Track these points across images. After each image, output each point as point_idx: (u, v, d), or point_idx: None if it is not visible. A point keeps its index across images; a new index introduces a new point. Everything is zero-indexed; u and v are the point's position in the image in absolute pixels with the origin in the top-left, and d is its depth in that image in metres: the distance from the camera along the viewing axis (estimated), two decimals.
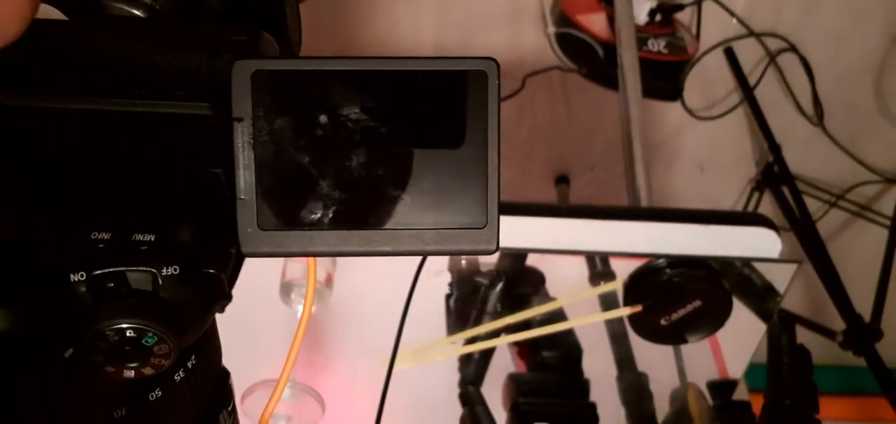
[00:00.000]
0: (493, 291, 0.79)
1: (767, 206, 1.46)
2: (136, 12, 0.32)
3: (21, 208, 0.24)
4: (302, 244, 0.25)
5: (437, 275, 0.76)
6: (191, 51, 0.28)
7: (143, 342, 0.22)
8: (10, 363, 0.21)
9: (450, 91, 0.25)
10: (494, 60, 0.25)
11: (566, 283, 0.83)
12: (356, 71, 0.25)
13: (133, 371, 0.23)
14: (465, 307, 0.79)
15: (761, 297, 0.66)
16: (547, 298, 0.80)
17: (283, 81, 0.25)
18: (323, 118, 0.25)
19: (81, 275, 0.22)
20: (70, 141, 0.25)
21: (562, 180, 1.45)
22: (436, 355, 0.75)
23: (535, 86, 1.30)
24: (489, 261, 0.81)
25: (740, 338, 0.71)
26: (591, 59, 1.17)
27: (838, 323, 1.14)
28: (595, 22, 1.15)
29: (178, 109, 0.26)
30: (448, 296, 0.81)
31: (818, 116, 1.39)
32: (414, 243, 0.25)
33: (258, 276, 0.79)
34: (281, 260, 0.82)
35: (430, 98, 0.25)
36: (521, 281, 0.81)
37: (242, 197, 0.24)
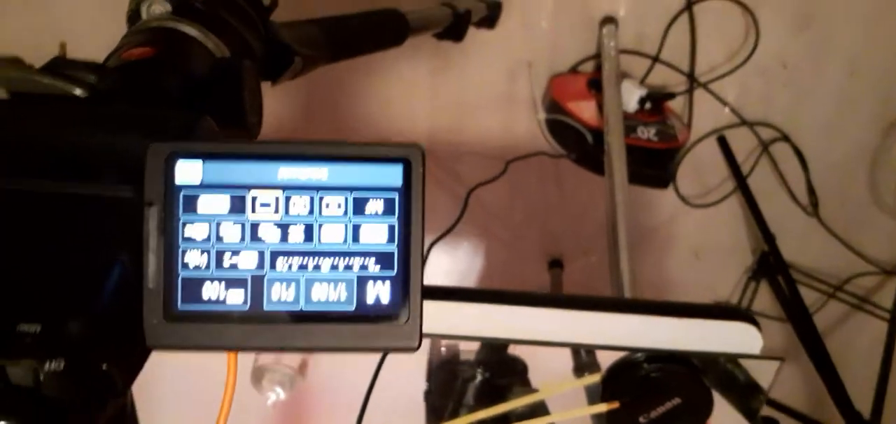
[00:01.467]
0: (472, 383, 0.76)
1: (764, 295, 1.44)
2: (76, 92, 0.32)
3: None
4: (210, 337, 0.23)
5: (417, 354, 0.74)
6: (123, 132, 0.28)
7: None
8: None
9: (377, 175, 0.24)
10: (420, 147, 0.24)
11: (550, 373, 0.80)
12: (281, 153, 0.24)
13: None
14: (441, 398, 0.76)
15: (745, 395, 0.64)
16: (530, 389, 0.77)
17: (203, 163, 0.24)
18: (246, 204, 0.24)
19: None
20: None
21: (555, 264, 1.43)
22: None
23: (528, 169, 1.30)
24: (469, 348, 0.79)
25: None
26: (580, 146, 1.17)
27: (837, 420, 1.10)
28: (585, 109, 1.15)
29: (92, 191, 0.25)
30: (427, 393, 0.78)
31: (813, 206, 1.38)
32: (328, 338, 0.24)
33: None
34: None
35: (360, 181, 0.24)
36: (502, 370, 0.78)
37: (150, 286, 0.23)
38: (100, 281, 0.23)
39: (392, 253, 0.24)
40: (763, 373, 0.64)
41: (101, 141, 0.27)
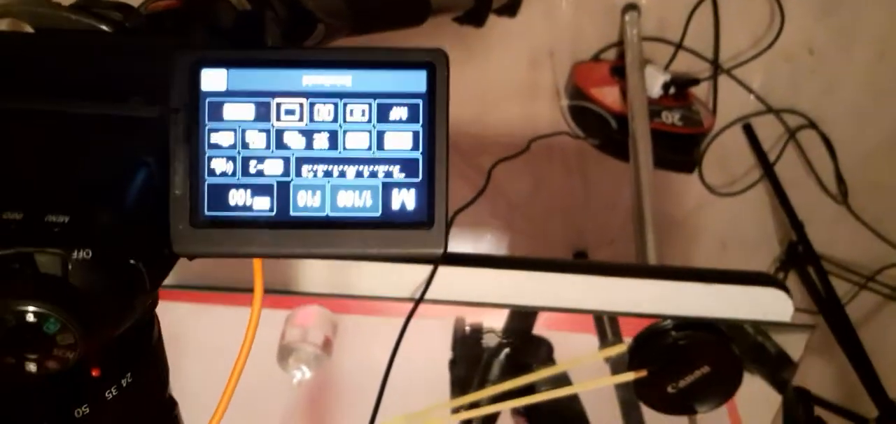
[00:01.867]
0: (497, 359, 0.76)
1: (793, 287, 1.41)
2: (102, 27, 0.32)
3: None
4: (237, 244, 0.23)
5: (441, 330, 0.74)
6: (148, 58, 0.28)
7: (43, 329, 0.20)
8: None
9: (401, 81, 0.24)
10: (443, 51, 0.23)
11: (575, 352, 0.79)
12: (305, 60, 0.24)
13: (35, 364, 0.21)
14: (467, 372, 0.76)
15: (775, 366, 0.62)
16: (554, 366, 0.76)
17: (228, 71, 0.24)
18: (270, 111, 0.24)
19: None
20: (2, 132, 0.24)
21: (579, 256, 1.42)
22: (433, 422, 0.72)
23: (551, 158, 1.29)
24: (495, 325, 0.78)
25: (757, 410, 0.67)
26: (603, 131, 1.17)
27: (871, 410, 1.08)
28: (608, 95, 1.15)
29: (123, 111, 0.25)
30: (452, 362, 0.78)
31: (842, 195, 1.35)
32: (355, 244, 0.23)
33: (256, 338, 0.76)
34: (281, 319, 0.80)
35: (384, 87, 0.24)
36: (527, 348, 0.78)
37: (176, 192, 0.23)
38: (127, 180, 0.24)
39: (417, 160, 0.23)
40: (793, 344, 0.63)
41: (125, 66, 0.27)
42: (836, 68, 1.31)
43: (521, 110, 1.31)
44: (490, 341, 0.73)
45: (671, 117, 1.13)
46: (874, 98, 1.33)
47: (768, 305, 0.57)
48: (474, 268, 0.56)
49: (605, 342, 0.75)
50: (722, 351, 0.60)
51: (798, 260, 1.37)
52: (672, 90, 1.15)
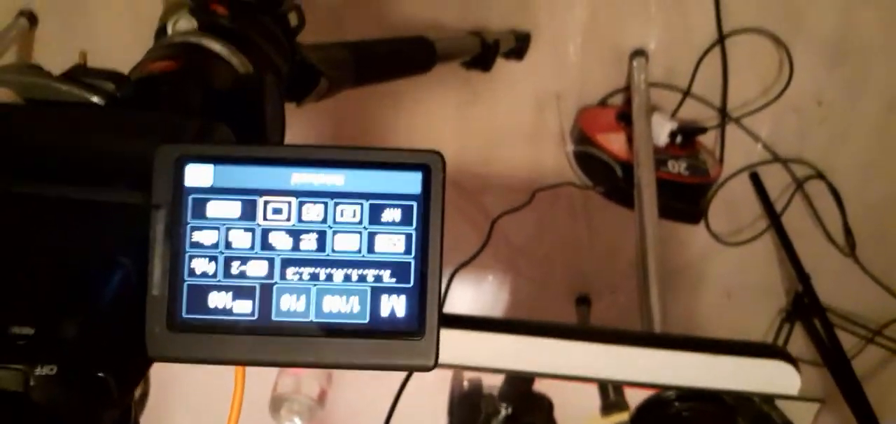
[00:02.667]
0: (496, 418, 0.74)
1: (799, 338, 1.39)
2: (93, 99, 0.31)
3: None
4: (216, 350, 0.22)
5: (438, 389, 0.72)
6: (136, 137, 0.27)
7: None
8: None
9: (395, 182, 0.23)
10: (440, 154, 0.22)
11: (576, 412, 0.78)
12: (295, 158, 0.23)
13: None
14: None
15: None
16: None
17: (214, 167, 0.23)
18: (257, 210, 0.23)
19: None
20: None
21: (583, 301, 1.40)
22: None
23: (555, 202, 1.28)
24: (493, 383, 0.77)
25: None
26: (609, 178, 1.16)
27: None
28: (614, 141, 1.14)
29: (102, 197, 0.24)
30: (449, 416, 0.76)
31: (850, 246, 1.33)
32: (340, 354, 0.22)
33: (247, 388, 0.75)
34: (274, 376, 0.78)
35: (377, 188, 0.23)
36: (527, 407, 0.76)
37: (154, 292, 0.22)
38: (99, 284, 0.22)
39: (408, 264, 0.22)
40: (800, 416, 0.61)
41: (112, 145, 0.26)
42: (845, 119, 1.30)
43: (526, 153, 1.30)
44: (488, 402, 0.72)
45: (677, 166, 1.12)
46: (882, 149, 1.32)
47: (775, 377, 0.55)
48: (473, 332, 0.55)
49: (607, 401, 0.73)
50: (726, 423, 0.58)
51: (804, 312, 1.35)
52: (679, 139, 1.14)
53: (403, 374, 0.62)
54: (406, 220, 0.22)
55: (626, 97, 1.23)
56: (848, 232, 1.33)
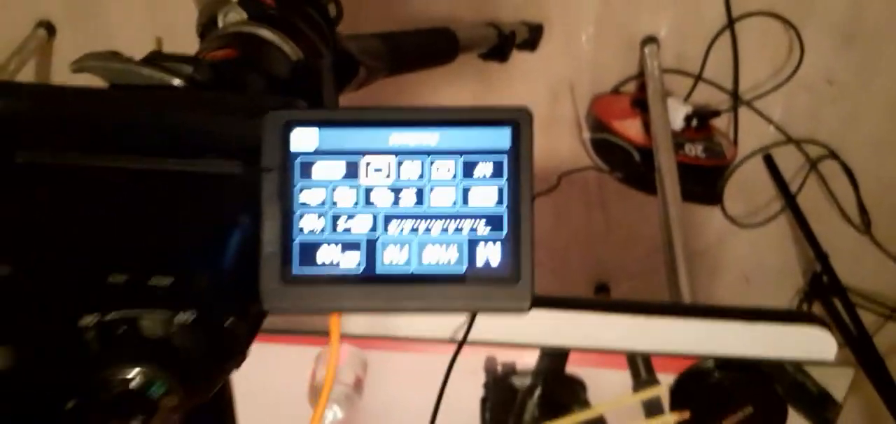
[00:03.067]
0: (531, 399, 0.75)
1: None
2: (174, 81, 0.33)
3: (43, 252, 0.23)
4: (326, 300, 0.23)
5: (471, 373, 0.73)
6: (225, 114, 0.28)
7: (148, 393, 0.20)
8: (8, 409, 0.19)
9: (486, 138, 0.24)
10: (528, 110, 0.24)
11: (609, 393, 0.79)
12: (393, 119, 0.24)
13: None
14: (500, 414, 0.75)
15: (817, 405, 0.62)
16: (588, 408, 0.76)
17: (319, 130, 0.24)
18: (360, 168, 0.24)
19: (92, 319, 0.21)
20: (96, 192, 0.25)
21: (601, 289, 1.42)
22: None
23: (572, 192, 1.30)
24: (527, 364, 0.78)
25: None
26: (626, 164, 1.17)
27: None
28: (630, 127, 1.15)
29: (208, 168, 0.26)
30: (484, 400, 0.77)
31: (865, 225, 1.34)
32: (440, 300, 0.24)
33: (286, 373, 0.76)
34: (311, 357, 0.80)
35: (469, 145, 0.24)
36: (561, 388, 0.77)
37: (268, 249, 0.23)
38: (223, 240, 0.24)
39: (501, 215, 0.24)
40: (835, 383, 0.62)
41: (204, 122, 0.28)
42: (857, 98, 1.31)
43: (542, 142, 1.31)
44: (523, 381, 0.73)
45: (694, 149, 1.13)
46: (894, 127, 1.33)
47: (811, 345, 0.56)
48: None
49: (638, 380, 0.75)
50: (766, 392, 0.59)
51: (822, 292, 1.36)
52: (694, 122, 1.15)
53: (451, 358, 0.63)
54: (497, 174, 0.24)
55: (639, 83, 1.24)
56: (863, 210, 1.34)
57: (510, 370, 0.76)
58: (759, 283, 1.44)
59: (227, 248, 0.24)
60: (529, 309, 0.24)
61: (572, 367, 0.78)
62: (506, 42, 1.00)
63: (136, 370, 0.20)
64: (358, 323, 0.62)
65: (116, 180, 0.26)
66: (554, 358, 0.72)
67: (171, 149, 0.27)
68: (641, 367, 0.74)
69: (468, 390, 0.78)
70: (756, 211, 1.37)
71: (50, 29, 1.31)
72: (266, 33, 0.44)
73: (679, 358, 0.64)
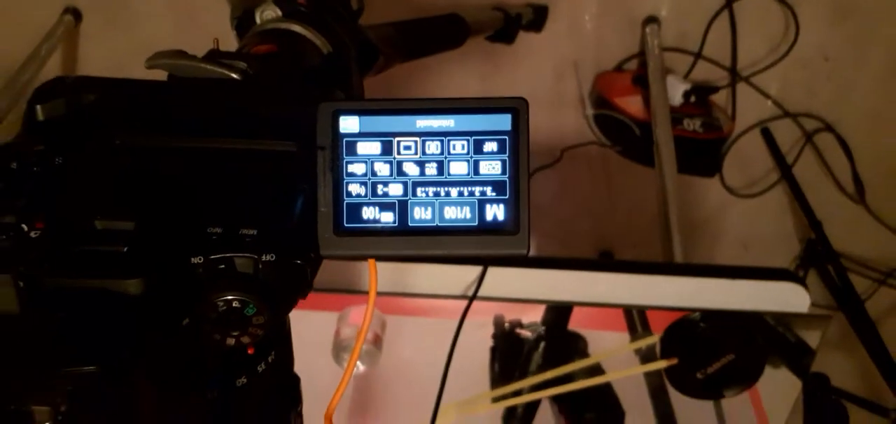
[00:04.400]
0: (537, 351, 0.83)
1: (813, 285, 1.46)
2: (233, 75, 0.39)
3: (155, 212, 0.30)
4: (369, 247, 0.31)
5: (480, 328, 0.80)
6: (280, 103, 0.35)
7: (244, 313, 0.28)
8: (140, 324, 0.27)
9: (492, 122, 0.31)
10: (524, 99, 0.31)
11: (607, 348, 0.85)
12: (418, 108, 0.31)
13: (234, 340, 0.28)
14: (508, 364, 0.82)
15: (795, 354, 0.68)
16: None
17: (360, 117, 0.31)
18: (393, 146, 0.31)
19: (199, 259, 0.28)
20: (186, 166, 0.32)
21: (605, 256, 1.48)
22: (479, 409, 0.79)
23: (577, 164, 1.35)
24: (533, 318, 0.85)
25: (779, 396, 0.73)
26: (627, 138, 1.23)
27: (892, 401, 1.12)
28: (631, 103, 1.21)
29: (271, 146, 0.33)
30: (492, 350, 0.84)
31: (859, 194, 1.40)
32: (458, 246, 0.31)
33: (312, 333, 0.84)
34: (334, 319, 0.87)
35: (478, 127, 0.31)
36: (563, 344, 0.84)
37: (323, 209, 0.30)
38: (292, 202, 0.31)
39: (505, 182, 0.31)
40: (811, 335, 0.69)
41: (266, 108, 0.35)
42: (851, 73, 1.36)
43: (547, 119, 1.37)
44: (528, 334, 0.80)
45: (693, 124, 1.19)
46: (889, 100, 1.37)
47: (787, 298, 0.63)
48: (516, 269, 0.63)
49: (635, 335, 0.81)
50: (746, 341, 0.66)
51: (817, 258, 1.42)
52: (693, 98, 1.21)
53: (463, 310, 0.70)
54: (501, 150, 0.31)
55: (641, 61, 1.30)
56: (857, 180, 1.39)
57: (517, 324, 0.83)
58: (756, 250, 1.49)
59: (293, 208, 0.31)
60: (527, 253, 0.31)
61: (574, 327, 0.85)
62: (512, 24, 1.06)
63: (234, 296, 0.27)
64: (383, 281, 0.69)
65: (198, 156, 0.32)
66: (557, 316, 0.79)
67: (235, 132, 0.34)
68: (638, 323, 0.81)
69: (479, 343, 0.85)
70: (754, 182, 1.43)
71: (76, 15, 1.37)
72: (300, 29, 0.51)
73: (671, 312, 0.70)
